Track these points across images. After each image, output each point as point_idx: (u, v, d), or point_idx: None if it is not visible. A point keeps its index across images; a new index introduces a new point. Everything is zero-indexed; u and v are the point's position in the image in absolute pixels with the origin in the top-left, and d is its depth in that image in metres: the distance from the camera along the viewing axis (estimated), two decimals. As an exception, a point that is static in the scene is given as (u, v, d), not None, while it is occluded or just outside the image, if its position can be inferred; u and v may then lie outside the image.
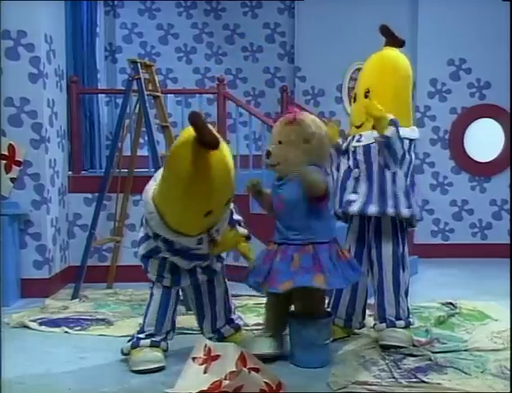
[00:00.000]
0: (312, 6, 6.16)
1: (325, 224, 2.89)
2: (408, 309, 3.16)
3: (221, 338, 3.05)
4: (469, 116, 5.92)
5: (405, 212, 3.02)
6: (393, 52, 3.15)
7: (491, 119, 5.90)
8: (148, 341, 2.87)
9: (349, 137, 3.22)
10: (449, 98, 5.92)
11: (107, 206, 4.63)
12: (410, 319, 3.15)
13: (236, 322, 3.14)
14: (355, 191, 3.08)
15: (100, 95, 5.71)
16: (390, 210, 3.00)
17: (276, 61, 6.65)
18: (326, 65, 6.08)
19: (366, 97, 3.06)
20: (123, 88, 4.71)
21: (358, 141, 3.10)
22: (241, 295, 3.92)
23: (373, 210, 3.01)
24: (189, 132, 2.45)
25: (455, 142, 5.94)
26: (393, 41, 3.15)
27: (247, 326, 3.35)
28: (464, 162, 5.95)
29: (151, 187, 2.78)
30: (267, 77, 6.65)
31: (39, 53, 4.15)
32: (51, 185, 4.36)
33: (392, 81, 3.06)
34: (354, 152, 3.12)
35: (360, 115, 3.10)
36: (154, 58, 6.41)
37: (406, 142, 3.04)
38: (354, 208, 3.05)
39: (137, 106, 4.39)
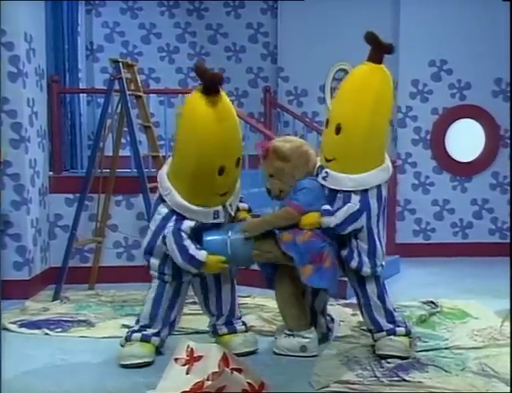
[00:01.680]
0: (294, 6, 6.16)
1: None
2: (403, 317, 3.13)
3: (215, 334, 3.11)
4: (450, 117, 5.98)
5: (367, 271, 2.96)
6: (376, 75, 2.86)
7: (471, 120, 5.97)
8: (139, 335, 2.93)
9: (318, 164, 3.05)
10: (430, 99, 5.97)
11: (89, 207, 4.59)
12: (411, 328, 3.08)
13: (234, 325, 3.12)
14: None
15: (81, 94, 5.66)
16: (354, 264, 2.96)
17: (259, 62, 6.65)
18: (309, 65, 6.10)
19: (337, 131, 2.86)
20: (105, 88, 4.68)
21: (324, 178, 2.95)
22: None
23: (343, 254, 2.98)
24: (195, 91, 2.75)
25: (436, 143, 6.00)
26: (379, 50, 2.85)
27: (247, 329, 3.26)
28: (445, 162, 6.01)
29: (165, 167, 2.97)
30: (250, 77, 6.65)
31: (19, 52, 4.10)
32: (32, 185, 4.31)
33: (368, 119, 2.82)
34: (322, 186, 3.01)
35: (330, 148, 2.97)
36: (137, 58, 6.37)
37: (374, 191, 2.89)
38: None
39: (119, 105, 4.36)
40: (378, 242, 2.97)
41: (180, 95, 5.36)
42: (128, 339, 2.95)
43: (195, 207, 2.84)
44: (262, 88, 6.31)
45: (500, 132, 5.97)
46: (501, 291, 4.01)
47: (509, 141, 5.98)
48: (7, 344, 3.18)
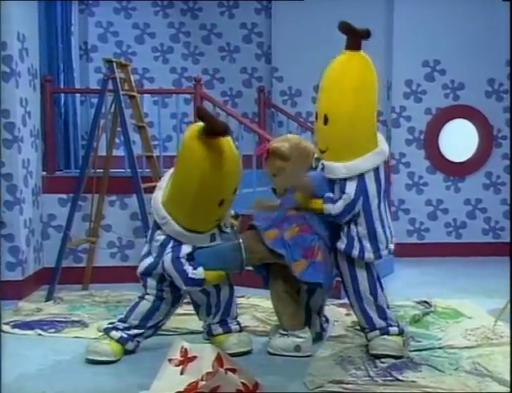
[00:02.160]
0: (289, 6, 6.17)
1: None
2: (396, 317, 3.12)
3: (210, 334, 3.13)
4: (443, 117, 6.00)
5: (370, 256, 2.97)
6: (354, 62, 2.89)
7: (465, 120, 5.99)
8: (118, 335, 2.98)
9: (314, 157, 3.15)
10: (424, 99, 5.99)
11: (82, 207, 4.57)
12: (404, 328, 3.09)
13: (229, 325, 3.13)
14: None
15: (75, 94, 5.64)
16: (355, 253, 2.96)
17: (253, 62, 6.65)
18: (303, 65, 6.10)
19: (325, 122, 2.89)
20: (99, 88, 4.67)
21: (321, 170, 3.03)
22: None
23: (340, 246, 2.99)
24: (195, 126, 2.78)
25: (430, 143, 6.01)
26: (356, 37, 2.87)
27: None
28: (439, 162, 6.03)
29: (159, 194, 2.98)
30: (244, 77, 6.64)
31: (11, 52, 4.08)
32: (25, 185, 4.29)
33: (351, 106, 2.85)
34: None
35: (322, 139, 3.01)
36: (131, 57, 6.35)
37: (371, 175, 2.92)
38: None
39: (113, 105, 4.35)
40: (379, 226, 2.97)
41: (174, 95, 5.37)
42: (106, 332, 3.00)
43: (192, 234, 2.91)
44: (256, 88, 6.31)
45: (493, 132, 6.00)
46: (495, 290, 4.03)
47: (501, 141, 6.00)
48: (2, 345, 3.17)
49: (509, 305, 3.33)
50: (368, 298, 2.99)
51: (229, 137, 2.82)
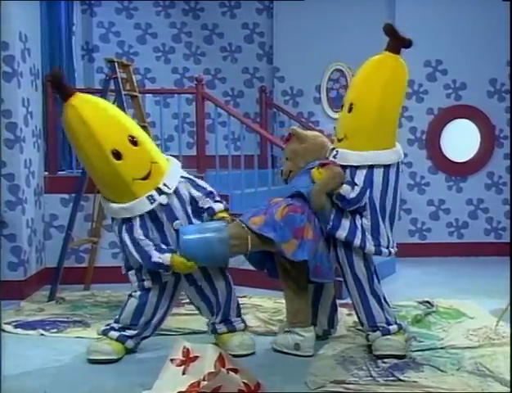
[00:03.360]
0: (290, 6, 6.17)
1: None
2: (394, 315, 3.12)
3: (214, 332, 3.12)
4: (445, 117, 5.99)
5: (370, 249, 3.00)
6: (389, 62, 2.97)
7: (467, 120, 5.99)
8: (116, 334, 2.99)
9: (330, 147, 3.18)
10: (426, 99, 5.98)
11: (84, 207, 4.58)
12: (402, 323, 3.10)
13: (234, 324, 3.12)
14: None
15: (77, 94, 5.64)
16: (357, 242, 2.98)
17: (254, 62, 6.65)
18: (305, 65, 6.10)
19: (349, 110, 2.98)
20: (100, 88, 4.67)
21: (334, 157, 3.04)
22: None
23: (341, 235, 3.00)
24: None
25: (431, 143, 6.01)
26: (396, 42, 2.94)
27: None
28: (440, 162, 6.02)
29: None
30: (245, 77, 6.64)
31: (13, 52, 4.09)
32: (27, 185, 4.30)
33: (378, 98, 2.93)
34: None
35: (342, 127, 3.07)
36: (132, 58, 6.35)
37: (381, 170, 2.96)
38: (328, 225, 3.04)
39: (115, 105, 4.34)
40: (382, 223, 3.01)
41: (176, 95, 5.37)
42: (105, 333, 3.01)
43: (126, 204, 2.86)
44: (257, 88, 6.32)
45: (495, 132, 5.99)
46: (497, 290, 4.02)
47: (503, 141, 6.00)
48: (2, 345, 3.17)
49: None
50: (367, 287, 3.01)
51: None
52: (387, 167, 2.99)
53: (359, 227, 2.99)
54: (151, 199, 2.88)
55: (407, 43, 2.98)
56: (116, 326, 3.03)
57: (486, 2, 5.80)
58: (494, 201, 6.01)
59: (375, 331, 3.00)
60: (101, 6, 6.44)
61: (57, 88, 2.82)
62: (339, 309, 3.73)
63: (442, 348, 3.09)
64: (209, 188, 3.10)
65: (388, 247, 3.05)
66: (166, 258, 2.85)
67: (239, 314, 3.17)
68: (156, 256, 2.86)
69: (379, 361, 2.88)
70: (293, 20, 6.16)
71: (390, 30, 2.96)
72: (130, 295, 3.06)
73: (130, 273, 3.01)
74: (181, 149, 5.00)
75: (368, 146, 2.96)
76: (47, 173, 4.79)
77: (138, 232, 2.88)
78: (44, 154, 4.81)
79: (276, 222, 2.91)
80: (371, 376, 2.71)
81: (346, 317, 3.62)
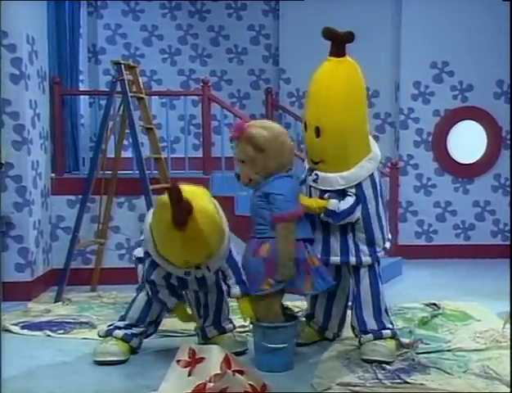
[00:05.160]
0: (296, 8, 6.17)
1: (306, 223, 2.95)
2: (391, 320, 3.11)
3: (204, 337, 3.12)
4: (451, 118, 5.98)
5: (367, 260, 2.98)
6: (341, 68, 2.85)
7: (473, 121, 5.96)
8: (121, 333, 2.98)
9: (307, 167, 3.06)
10: (432, 100, 5.97)
11: (91, 208, 4.59)
12: (397, 331, 3.08)
13: (223, 325, 3.14)
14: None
15: (83, 96, 5.67)
16: (353, 260, 2.97)
17: (260, 63, 6.65)
18: (311, 67, 6.02)
19: (317, 135, 2.83)
20: (107, 90, 4.68)
21: (315, 181, 2.94)
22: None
23: (336, 260, 2.98)
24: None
25: (438, 144, 5.99)
26: (340, 42, 2.83)
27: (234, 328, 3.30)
28: (447, 164, 6.00)
29: (151, 212, 2.87)
30: (251, 79, 6.65)
31: (21, 54, 4.11)
32: (34, 187, 4.31)
33: (345, 115, 2.80)
34: (310, 189, 3.01)
35: (314, 150, 2.92)
36: (139, 59, 6.36)
37: (367, 181, 2.91)
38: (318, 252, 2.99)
39: (121, 107, 4.37)
40: (377, 229, 2.98)
41: (182, 97, 5.38)
42: (108, 333, 3.00)
43: (164, 261, 2.77)
44: (263, 90, 6.31)
45: (501, 133, 5.97)
46: (503, 293, 4.00)
47: (510, 143, 5.97)
48: (9, 345, 3.19)
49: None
50: (367, 301, 2.98)
51: (202, 215, 2.56)
52: (370, 175, 2.94)
53: (351, 244, 2.95)
54: (187, 273, 2.83)
55: (350, 39, 2.81)
56: (121, 324, 3.03)
57: (492, 4, 5.78)
58: (501, 202, 5.99)
59: (367, 333, 2.98)
60: (107, 8, 6.46)
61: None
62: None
63: (448, 350, 3.08)
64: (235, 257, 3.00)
65: (384, 247, 3.05)
66: (172, 302, 2.92)
67: (227, 316, 3.19)
68: (165, 295, 2.89)
69: (385, 364, 2.87)
70: (299, 21, 6.16)
71: (330, 34, 2.81)
72: (139, 290, 3.05)
73: (140, 265, 2.98)
74: (187, 151, 5.01)
75: (348, 165, 2.88)
76: (53, 174, 4.81)
77: (156, 277, 2.86)
78: (51, 156, 4.82)
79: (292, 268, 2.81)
80: (377, 378, 2.70)
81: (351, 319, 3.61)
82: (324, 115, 2.82)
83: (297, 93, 6.29)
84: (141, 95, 4.47)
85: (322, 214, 2.91)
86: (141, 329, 3.04)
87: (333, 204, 2.87)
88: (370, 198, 2.94)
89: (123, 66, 4.24)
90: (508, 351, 3.01)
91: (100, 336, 3.07)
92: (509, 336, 3.23)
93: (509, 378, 2.64)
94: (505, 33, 5.65)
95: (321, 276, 2.90)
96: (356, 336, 3.10)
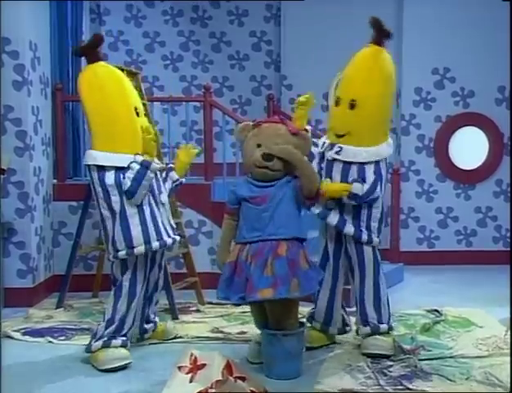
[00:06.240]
0: (298, 14, 6.19)
1: (301, 222, 2.90)
2: (390, 313, 3.18)
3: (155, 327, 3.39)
4: (453, 124, 5.98)
5: (376, 241, 3.12)
6: (381, 56, 3.08)
7: (475, 128, 5.97)
8: (119, 341, 2.99)
9: (327, 142, 3.17)
10: (434, 107, 5.98)
11: (92, 214, 4.58)
12: (392, 323, 3.19)
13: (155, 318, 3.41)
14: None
15: (85, 102, 5.67)
16: (364, 238, 3.08)
17: (262, 70, 6.66)
18: (313, 73, 6.09)
19: (351, 107, 3.04)
20: (109, 96, 4.68)
21: (337, 153, 3.07)
22: (227, 303, 3.91)
23: (349, 230, 3.07)
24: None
25: (439, 150, 5.99)
26: (381, 34, 3.06)
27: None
28: (449, 170, 6.01)
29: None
30: (253, 85, 6.66)
31: (24, 61, 4.12)
32: (36, 193, 4.32)
33: (380, 94, 3.05)
34: (331, 163, 3.10)
35: (343, 123, 3.10)
36: (141, 66, 6.39)
37: (384, 162, 3.12)
38: (333, 221, 3.09)
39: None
40: (383, 213, 3.18)
41: (184, 103, 5.39)
42: (106, 345, 2.96)
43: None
44: (265, 96, 6.33)
45: (503, 140, 5.97)
46: (506, 299, 3.99)
47: (510, 149, 5.97)
48: (11, 352, 3.18)
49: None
50: (370, 285, 3.09)
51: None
52: (385, 159, 3.13)
53: (364, 222, 3.08)
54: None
55: (390, 35, 3.08)
56: (111, 331, 2.98)
57: (495, 10, 5.79)
58: (503, 208, 5.98)
59: (365, 325, 3.10)
60: (109, 14, 6.49)
61: (91, 49, 3.12)
62: (347, 317, 3.73)
63: (450, 357, 3.07)
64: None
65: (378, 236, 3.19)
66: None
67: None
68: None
69: (387, 370, 2.87)
70: (300, 27, 6.18)
71: (375, 23, 3.04)
72: (119, 291, 3.06)
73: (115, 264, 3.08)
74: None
75: (373, 142, 3.06)
76: (55, 180, 4.81)
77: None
78: (53, 162, 4.83)
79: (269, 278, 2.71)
80: (379, 384, 2.70)
81: (354, 325, 3.60)
82: (363, 88, 3.03)
83: (298, 99, 6.30)
84: (143, 101, 4.46)
85: (345, 198, 3.01)
86: (130, 325, 3.06)
87: (357, 187, 2.99)
88: (385, 179, 3.13)
89: (125, 73, 4.24)
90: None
91: (90, 352, 2.99)
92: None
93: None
94: (507, 40, 5.67)
95: (307, 279, 2.78)
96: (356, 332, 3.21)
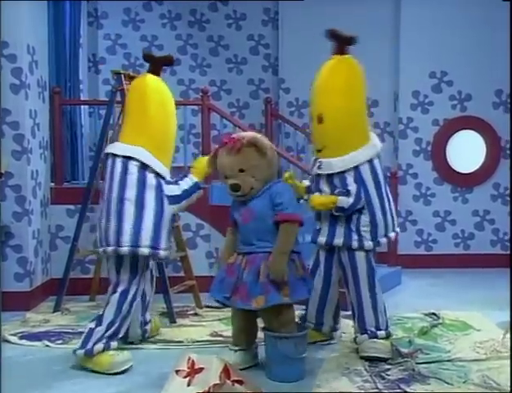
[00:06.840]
0: (296, 17, 6.20)
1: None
2: (387, 319, 3.19)
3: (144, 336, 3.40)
4: (450, 128, 5.99)
5: (369, 245, 3.11)
6: (342, 65, 3.13)
7: (472, 131, 5.98)
8: (116, 343, 3.03)
9: (312, 159, 3.31)
10: (431, 110, 5.99)
11: (90, 218, 4.58)
12: (390, 329, 3.20)
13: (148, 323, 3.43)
14: (318, 218, 3.22)
15: (83, 106, 5.68)
16: (355, 244, 3.10)
17: (260, 73, 6.67)
18: (310, 76, 6.06)
19: (319, 121, 3.09)
20: (107, 99, 4.69)
21: (319, 167, 3.16)
22: (224, 307, 3.90)
23: (339, 241, 3.12)
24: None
25: (437, 154, 6.01)
26: (340, 43, 3.12)
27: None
28: (446, 173, 6.02)
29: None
30: (251, 88, 6.67)
31: (21, 64, 4.12)
32: (33, 196, 4.32)
33: (343, 103, 3.06)
34: (318, 178, 3.21)
35: (318, 138, 3.18)
36: (139, 69, 6.36)
37: (366, 167, 3.10)
38: (322, 240, 3.18)
39: (121, 117, 4.37)
40: (380, 214, 3.13)
41: (182, 106, 5.39)
42: (106, 348, 2.98)
43: None
44: (263, 100, 6.33)
45: (500, 143, 5.99)
46: (504, 302, 3.99)
47: (509, 152, 5.99)
48: (8, 356, 3.17)
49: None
50: (366, 292, 3.10)
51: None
52: (370, 161, 3.12)
53: (353, 229, 3.09)
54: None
55: (352, 41, 3.11)
56: (110, 333, 3.00)
57: (492, 13, 5.82)
58: (500, 212, 5.99)
59: (363, 333, 3.11)
60: (107, 18, 6.49)
61: (159, 62, 3.44)
62: (344, 320, 3.74)
63: (448, 360, 3.07)
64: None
65: (386, 234, 3.18)
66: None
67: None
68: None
69: (385, 374, 2.87)
70: (298, 31, 6.19)
71: (333, 35, 3.13)
72: (115, 294, 3.10)
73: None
74: (186, 160, 5.01)
75: (347, 150, 3.08)
76: (53, 184, 4.81)
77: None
78: (50, 165, 4.83)
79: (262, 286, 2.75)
80: (377, 388, 2.70)
81: (351, 328, 3.60)
82: (326, 101, 3.09)
83: (296, 103, 6.32)
84: (141, 104, 4.47)
85: (333, 211, 3.07)
86: (124, 326, 3.09)
87: (343, 201, 3.03)
88: (370, 183, 3.10)
89: (123, 76, 4.25)
90: (508, 361, 3.00)
91: (88, 355, 2.97)
92: (509, 346, 3.23)
93: (509, 389, 2.63)
94: (505, 44, 5.68)
95: (299, 285, 2.82)
96: (355, 340, 3.21)
